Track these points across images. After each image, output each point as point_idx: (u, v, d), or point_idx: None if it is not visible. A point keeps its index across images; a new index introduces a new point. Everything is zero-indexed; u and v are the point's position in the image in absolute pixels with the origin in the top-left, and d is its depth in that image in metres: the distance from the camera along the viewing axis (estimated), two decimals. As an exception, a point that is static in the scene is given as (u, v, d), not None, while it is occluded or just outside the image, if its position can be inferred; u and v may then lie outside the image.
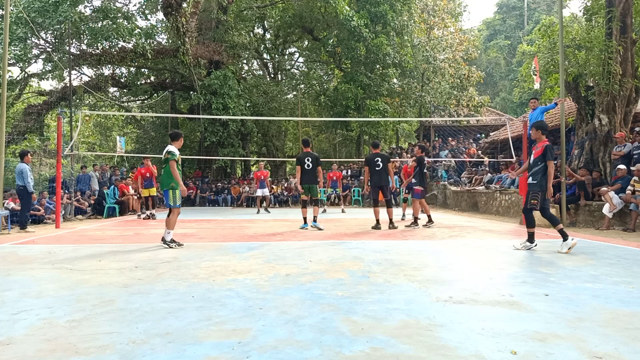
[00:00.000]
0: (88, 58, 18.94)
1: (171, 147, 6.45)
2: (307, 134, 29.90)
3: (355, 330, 2.64)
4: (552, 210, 9.18)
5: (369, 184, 8.78)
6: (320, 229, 8.40)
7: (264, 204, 14.94)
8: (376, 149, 8.91)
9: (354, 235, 7.56)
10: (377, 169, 8.55)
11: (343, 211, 14.66)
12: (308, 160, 8.61)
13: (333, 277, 4.11)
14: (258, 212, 14.24)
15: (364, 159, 9.15)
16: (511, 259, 5.13)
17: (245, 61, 26.92)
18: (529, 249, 5.85)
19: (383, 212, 8.77)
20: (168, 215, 6.40)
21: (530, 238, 5.92)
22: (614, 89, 9.89)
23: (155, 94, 24.55)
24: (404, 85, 22.87)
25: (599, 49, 9.88)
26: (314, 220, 8.65)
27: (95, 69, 20.86)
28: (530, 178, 5.91)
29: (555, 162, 11.95)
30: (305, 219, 8.77)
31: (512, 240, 6.79)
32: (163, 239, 6.25)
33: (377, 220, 8.64)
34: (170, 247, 6.12)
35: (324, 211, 14.54)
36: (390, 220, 8.66)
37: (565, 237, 5.65)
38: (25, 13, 15.66)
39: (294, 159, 10.86)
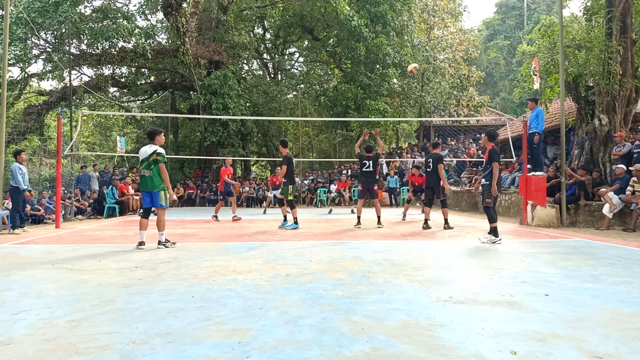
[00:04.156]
0: (88, 58, 18.93)
1: (159, 148, 6.23)
2: (307, 134, 29.89)
3: (355, 330, 2.64)
4: (552, 210, 9.24)
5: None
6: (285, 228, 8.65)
7: (265, 204, 15.05)
8: (435, 149, 8.99)
9: (354, 236, 7.56)
10: (428, 170, 8.65)
11: (352, 212, 14.58)
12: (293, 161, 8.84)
13: (333, 277, 4.11)
14: (264, 212, 14.36)
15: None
16: (511, 259, 5.13)
17: (245, 61, 26.91)
18: (494, 242, 6.31)
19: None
20: (146, 218, 6.35)
21: (494, 232, 6.42)
22: (614, 89, 9.88)
23: (155, 94, 24.54)
24: (404, 85, 22.87)
25: (599, 49, 9.88)
26: (285, 221, 8.84)
27: (95, 69, 20.86)
28: (483, 180, 6.66)
29: (555, 162, 12.03)
30: (295, 219, 8.79)
31: (511, 241, 6.81)
32: (159, 242, 6.21)
33: (426, 220, 8.65)
34: (167, 247, 6.12)
35: (330, 212, 14.59)
36: (446, 220, 8.59)
37: (495, 234, 6.36)
38: (25, 13, 15.65)
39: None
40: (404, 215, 11.04)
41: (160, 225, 6.25)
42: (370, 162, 8.82)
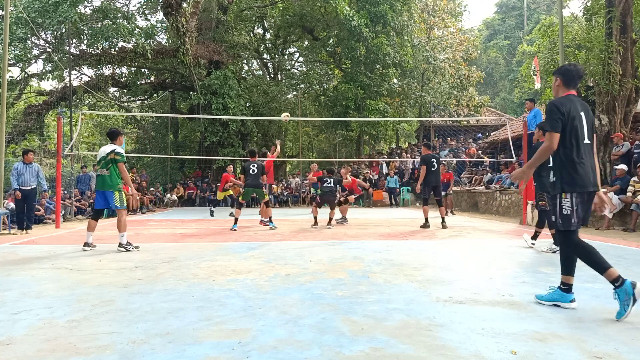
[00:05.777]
0: (88, 58, 18.94)
1: (117, 147, 6.16)
2: (307, 134, 29.86)
3: (355, 330, 2.64)
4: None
5: (423, 183, 9.07)
6: (274, 227, 8.96)
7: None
8: (430, 150, 9.38)
9: (354, 235, 7.56)
10: (432, 169, 8.95)
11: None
12: (254, 166, 9.06)
13: (333, 277, 4.11)
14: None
15: (420, 159, 9.62)
16: (511, 259, 5.13)
17: (245, 61, 26.90)
18: (554, 251, 5.55)
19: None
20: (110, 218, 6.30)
21: (555, 239, 5.48)
22: (614, 89, 9.88)
23: (155, 94, 24.53)
24: (404, 85, 22.87)
25: (599, 49, 9.89)
26: (270, 221, 9.17)
27: (95, 69, 20.85)
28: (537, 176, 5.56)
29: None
30: (237, 219, 9.05)
31: (512, 241, 6.81)
32: (120, 244, 5.99)
33: (426, 219, 9.01)
34: (128, 250, 5.90)
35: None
36: (443, 218, 9.00)
37: (556, 242, 5.50)
38: (25, 13, 15.65)
39: (293, 159, 10.94)
40: (343, 219, 10.35)
41: (121, 226, 6.03)
42: (332, 180, 9.49)
